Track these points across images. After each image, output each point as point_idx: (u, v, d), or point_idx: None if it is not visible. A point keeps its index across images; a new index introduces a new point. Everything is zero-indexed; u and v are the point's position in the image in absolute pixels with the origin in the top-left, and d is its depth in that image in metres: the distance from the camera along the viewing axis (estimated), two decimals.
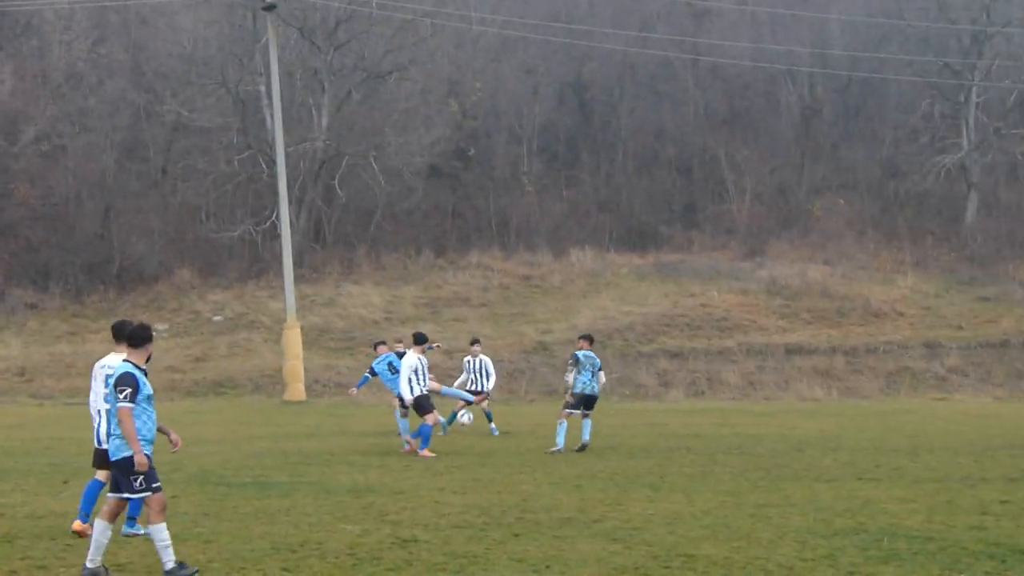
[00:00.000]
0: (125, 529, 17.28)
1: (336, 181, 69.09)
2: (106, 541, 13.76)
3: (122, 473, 13.75)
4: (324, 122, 69.73)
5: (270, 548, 15.45)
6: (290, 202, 56.66)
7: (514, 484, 21.93)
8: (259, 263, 67.68)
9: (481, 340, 36.14)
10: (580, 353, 28.77)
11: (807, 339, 55.48)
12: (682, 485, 21.62)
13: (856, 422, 37.14)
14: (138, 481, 13.65)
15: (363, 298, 62.46)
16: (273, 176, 58.28)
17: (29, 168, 69.77)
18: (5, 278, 66.05)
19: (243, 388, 50.00)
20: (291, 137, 62.98)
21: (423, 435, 27.43)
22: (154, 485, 13.75)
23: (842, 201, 73.56)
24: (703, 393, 51.42)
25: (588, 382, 28.47)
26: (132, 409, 13.58)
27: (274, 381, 52.65)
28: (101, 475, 16.76)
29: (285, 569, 14.11)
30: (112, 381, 13.71)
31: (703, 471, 23.90)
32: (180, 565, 13.72)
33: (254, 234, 67.82)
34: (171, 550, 13.70)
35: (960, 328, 56.22)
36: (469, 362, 34.29)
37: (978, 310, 58.65)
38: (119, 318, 21.17)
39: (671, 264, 65.80)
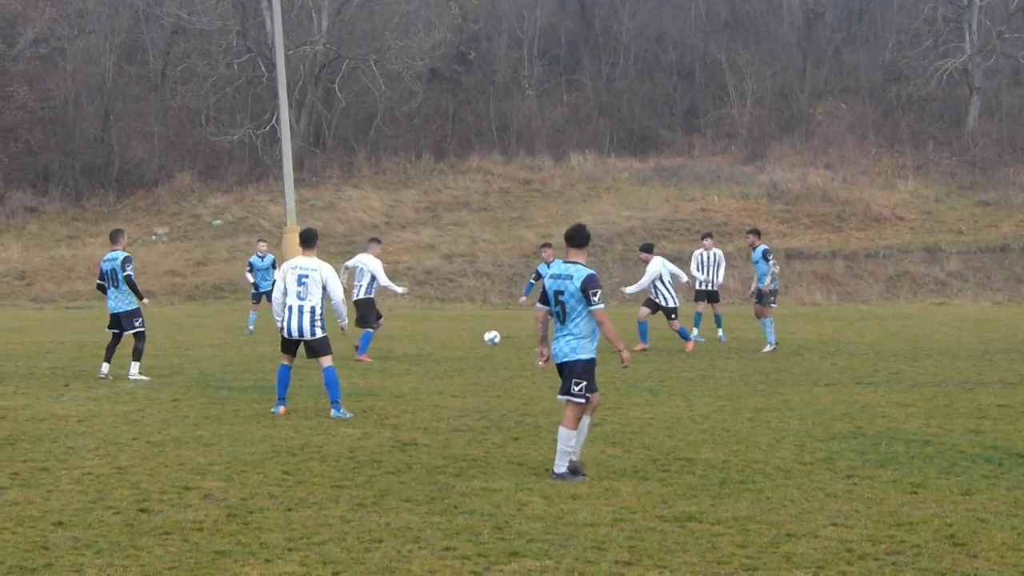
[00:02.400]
0: (333, 414, 18.49)
1: (336, 85, 68.82)
2: (569, 447, 13.75)
3: (570, 375, 13.67)
4: (324, 25, 69.26)
5: (270, 451, 15.53)
6: (290, 106, 56.39)
7: (513, 388, 22.02)
8: (259, 167, 67.50)
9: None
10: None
11: (807, 244, 55.38)
12: (681, 389, 21.71)
13: (855, 327, 37.22)
14: (580, 386, 13.60)
15: (363, 202, 62.32)
16: (273, 79, 57.95)
17: (28, 71, 69.43)
18: (5, 181, 65.97)
19: (244, 292, 49.65)
20: (291, 40, 62.58)
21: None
22: (593, 391, 13.75)
23: (844, 105, 73.15)
24: None
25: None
26: (604, 310, 13.52)
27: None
28: (287, 360, 19.09)
29: (285, 472, 14.18)
30: (579, 284, 13.47)
31: (702, 376, 24.00)
32: (572, 471, 13.83)
33: (254, 138, 67.56)
34: (567, 458, 13.75)
35: (960, 233, 56.10)
36: (702, 255, 33.86)
37: (978, 214, 58.49)
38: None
39: (672, 168, 65.47)
